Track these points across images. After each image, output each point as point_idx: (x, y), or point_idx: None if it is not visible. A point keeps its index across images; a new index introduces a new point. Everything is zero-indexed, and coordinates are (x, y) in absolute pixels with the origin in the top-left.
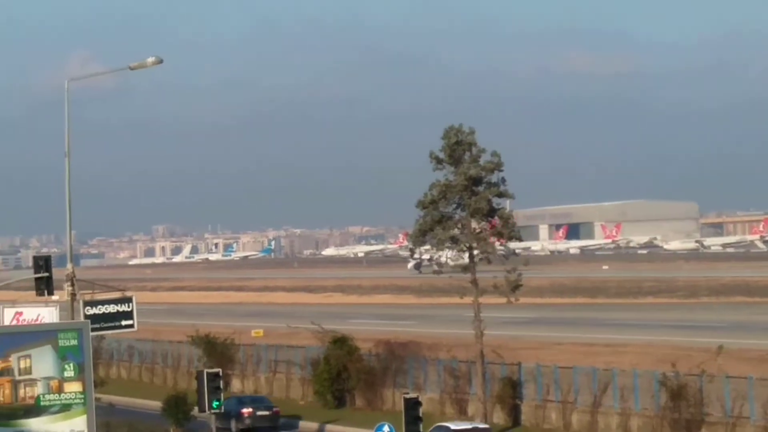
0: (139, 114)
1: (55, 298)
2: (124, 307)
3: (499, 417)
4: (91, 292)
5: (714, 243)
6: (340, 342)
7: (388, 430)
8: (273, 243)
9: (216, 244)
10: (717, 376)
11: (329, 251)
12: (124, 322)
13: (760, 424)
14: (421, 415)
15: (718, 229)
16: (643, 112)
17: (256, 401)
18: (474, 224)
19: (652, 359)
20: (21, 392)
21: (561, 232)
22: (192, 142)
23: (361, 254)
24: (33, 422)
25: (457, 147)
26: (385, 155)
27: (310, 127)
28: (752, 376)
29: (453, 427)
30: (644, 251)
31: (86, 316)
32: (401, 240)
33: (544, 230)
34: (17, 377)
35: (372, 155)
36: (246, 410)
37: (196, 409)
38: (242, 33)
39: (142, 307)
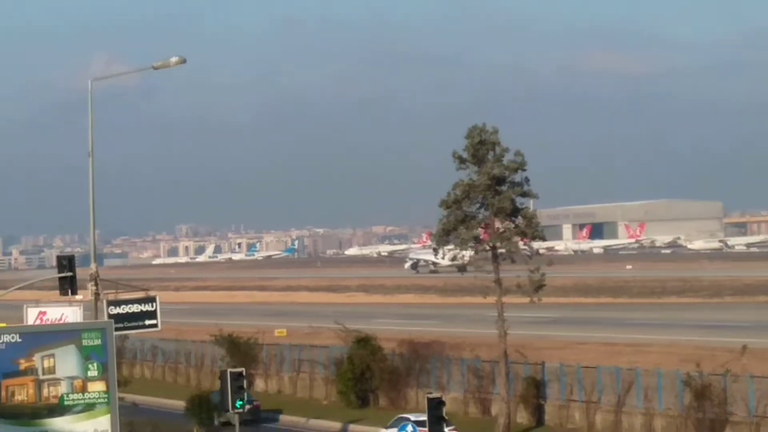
0: (162, 113)
1: (78, 297)
2: (147, 307)
3: (523, 417)
4: (114, 291)
5: (738, 242)
6: (364, 342)
7: (412, 429)
8: (296, 243)
9: (239, 244)
10: (741, 376)
11: (352, 251)
12: (147, 322)
13: None
14: (444, 415)
15: (741, 228)
16: (667, 110)
17: None
18: (497, 224)
19: (675, 359)
20: (45, 392)
21: (584, 232)
22: (215, 141)
23: (384, 254)
24: (57, 421)
25: (481, 146)
26: (409, 154)
27: (334, 126)
28: None
29: (413, 418)
30: (668, 251)
31: (110, 316)
32: (425, 239)
33: (567, 230)
34: (41, 377)
35: (395, 154)
36: None
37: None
38: (266, 31)
39: (166, 307)
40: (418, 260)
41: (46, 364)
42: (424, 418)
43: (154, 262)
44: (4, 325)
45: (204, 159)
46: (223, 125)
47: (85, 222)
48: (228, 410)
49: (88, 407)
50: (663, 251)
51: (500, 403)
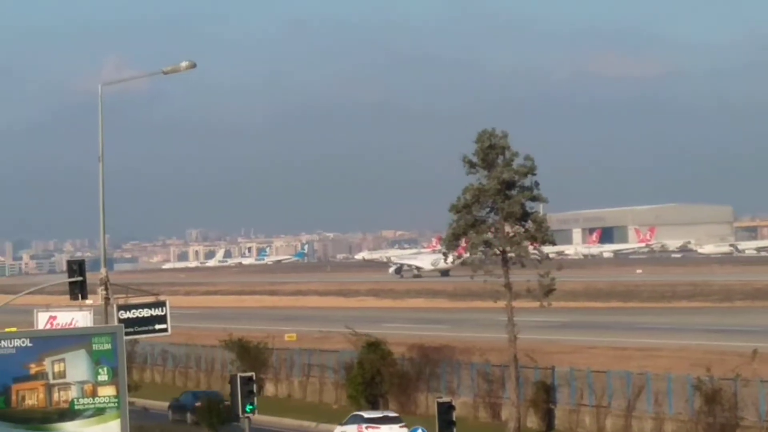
0: (172, 116)
1: (89, 302)
2: (157, 311)
3: (533, 421)
4: (124, 296)
5: (748, 247)
6: (374, 346)
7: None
8: (306, 247)
9: (249, 249)
10: (751, 381)
11: (362, 255)
12: (157, 326)
13: None
14: (454, 419)
15: (752, 232)
16: (677, 113)
17: (207, 395)
18: (507, 228)
19: (686, 363)
20: (55, 396)
21: (594, 236)
22: (224, 144)
23: (394, 258)
24: (67, 426)
25: (490, 151)
26: (419, 158)
27: (344, 129)
28: None
29: (366, 415)
30: (678, 255)
31: (120, 320)
32: (434, 244)
33: (577, 234)
34: (51, 381)
35: (405, 158)
36: (200, 404)
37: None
38: (274, 34)
39: (176, 311)
40: (402, 265)
41: (56, 368)
42: (376, 415)
43: (164, 267)
44: (14, 329)
45: (214, 163)
46: (233, 128)
47: (95, 226)
48: (238, 415)
49: (99, 412)
50: (673, 255)
51: (510, 408)
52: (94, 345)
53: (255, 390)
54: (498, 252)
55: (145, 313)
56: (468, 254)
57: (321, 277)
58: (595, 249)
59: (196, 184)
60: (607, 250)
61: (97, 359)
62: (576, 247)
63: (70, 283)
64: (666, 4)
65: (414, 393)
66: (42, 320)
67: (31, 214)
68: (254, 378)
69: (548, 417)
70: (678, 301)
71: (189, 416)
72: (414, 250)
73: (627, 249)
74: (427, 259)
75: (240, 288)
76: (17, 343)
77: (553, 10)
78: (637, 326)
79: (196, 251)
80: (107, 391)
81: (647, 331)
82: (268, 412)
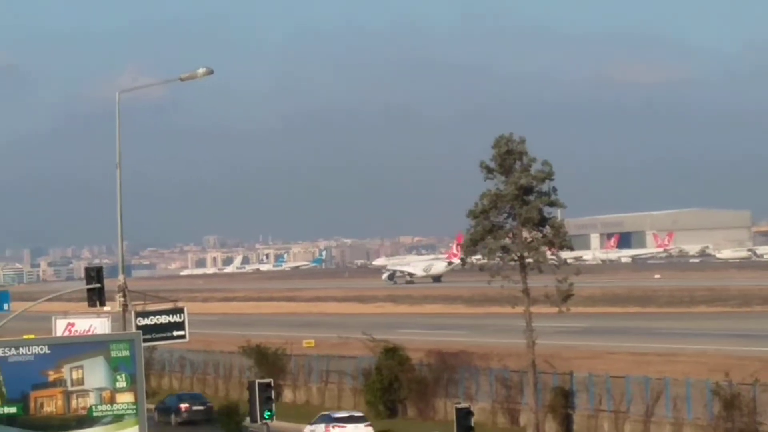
0: (189, 122)
1: (107, 309)
2: (175, 318)
3: (551, 427)
4: (142, 303)
5: (766, 251)
6: (392, 352)
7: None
8: (324, 253)
9: (267, 255)
10: None
11: (380, 261)
12: (175, 333)
13: None
14: (473, 425)
15: None
16: (695, 118)
17: (193, 397)
18: (525, 233)
19: (704, 368)
20: (73, 403)
21: (612, 241)
22: (242, 151)
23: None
24: None
25: (508, 156)
26: (436, 164)
27: (362, 135)
28: None
29: (334, 415)
30: (696, 260)
31: (138, 327)
32: (452, 249)
33: (595, 239)
34: (70, 388)
35: (423, 164)
36: (184, 405)
37: (247, 419)
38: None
39: (194, 318)
40: (395, 271)
41: (74, 375)
42: (343, 414)
43: (182, 273)
44: (32, 336)
45: (231, 169)
46: (250, 134)
47: (113, 233)
48: (256, 421)
49: (117, 418)
50: (691, 260)
51: (529, 413)
52: (112, 352)
53: (273, 396)
54: (516, 257)
55: (163, 319)
56: (486, 260)
57: (339, 283)
58: (613, 254)
59: (213, 191)
60: (625, 255)
61: (115, 366)
62: (594, 253)
63: (88, 290)
64: (682, 10)
65: (432, 399)
66: (60, 327)
67: (49, 221)
68: (272, 384)
69: (567, 422)
70: (696, 306)
71: (173, 418)
72: (432, 256)
73: (645, 254)
74: (419, 265)
75: (258, 294)
76: (36, 350)
77: (568, 16)
78: (656, 331)
79: (214, 258)
80: (125, 398)
81: (665, 336)
82: (286, 418)
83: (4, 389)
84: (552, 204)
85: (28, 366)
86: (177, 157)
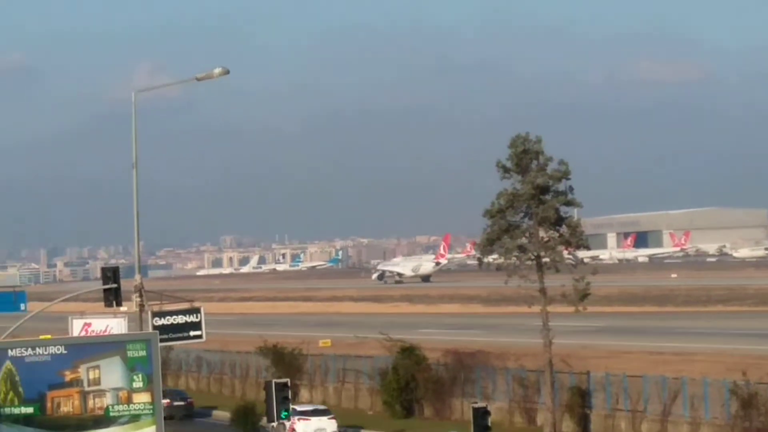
0: (205, 122)
1: (123, 309)
2: (192, 318)
3: (568, 426)
4: (159, 303)
5: None
6: (408, 352)
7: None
8: (340, 253)
9: (283, 255)
10: None
11: (396, 261)
12: (192, 333)
13: None
14: (489, 424)
15: None
16: (711, 118)
17: (173, 393)
18: (542, 233)
19: (722, 368)
20: (90, 403)
21: (629, 241)
22: (258, 151)
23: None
24: None
25: (524, 156)
26: (452, 163)
27: (378, 135)
28: None
29: (299, 408)
30: (713, 259)
31: (155, 327)
32: (468, 249)
33: (612, 239)
34: (86, 388)
35: (439, 164)
36: (165, 401)
37: (264, 419)
38: (306, 40)
39: (210, 318)
40: (384, 271)
41: (91, 375)
42: (308, 408)
43: (198, 274)
44: (49, 336)
45: (247, 169)
46: (266, 135)
47: (129, 233)
48: (272, 421)
49: (133, 418)
50: (708, 259)
51: (545, 413)
52: (128, 352)
53: (290, 396)
54: (532, 257)
55: (180, 319)
56: (502, 259)
57: (355, 283)
58: (630, 253)
59: (230, 191)
60: (642, 254)
61: (131, 366)
62: (611, 252)
63: (105, 290)
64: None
65: (449, 398)
66: (77, 327)
67: (65, 221)
68: (289, 384)
69: (584, 422)
70: (713, 306)
71: None
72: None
73: (662, 253)
74: (408, 265)
75: (274, 294)
76: (52, 350)
77: (587, 16)
78: (672, 331)
79: (230, 258)
80: (142, 398)
81: (682, 335)
82: None
83: (21, 389)
84: (568, 203)
85: (45, 366)
86: (192, 157)
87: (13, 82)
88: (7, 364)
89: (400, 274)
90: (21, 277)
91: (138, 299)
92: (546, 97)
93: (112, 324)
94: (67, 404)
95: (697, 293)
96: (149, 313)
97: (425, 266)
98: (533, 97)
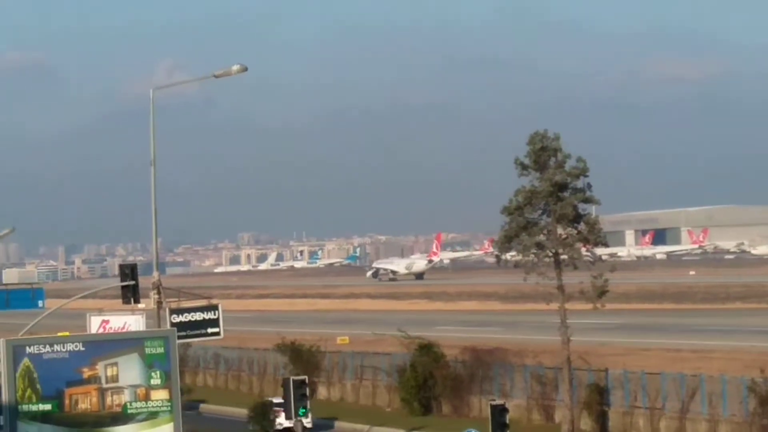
0: (223, 119)
1: (141, 306)
2: (210, 315)
3: (586, 423)
4: (177, 300)
5: None
6: (426, 349)
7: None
8: (358, 250)
9: (301, 252)
10: None
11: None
12: (210, 330)
13: None
14: (507, 422)
15: None
16: (729, 114)
17: None
18: (560, 230)
19: (740, 365)
20: (108, 400)
21: (647, 238)
22: (276, 148)
23: (446, 261)
24: (120, 430)
25: (542, 153)
26: (471, 161)
27: (397, 132)
28: None
29: (275, 401)
30: (731, 256)
31: (172, 324)
32: (486, 246)
33: (630, 236)
34: (104, 385)
35: (458, 161)
36: None
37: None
38: (326, 36)
39: (228, 315)
40: (378, 269)
41: (109, 372)
42: (281, 400)
43: (216, 271)
44: (67, 333)
45: (265, 166)
46: (284, 131)
47: (147, 230)
48: (290, 418)
49: (151, 416)
50: (726, 257)
51: (563, 410)
52: (146, 349)
53: (308, 393)
54: (550, 254)
55: (198, 316)
56: (520, 256)
57: (373, 280)
58: (648, 251)
59: (248, 188)
60: (660, 251)
61: (149, 363)
62: (629, 249)
63: (123, 287)
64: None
65: (467, 395)
66: (95, 324)
67: (83, 218)
68: (307, 381)
69: (602, 419)
70: (732, 303)
71: None
72: (466, 253)
73: (680, 250)
74: (401, 263)
75: (292, 291)
76: (70, 347)
77: (606, 12)
78: (691, 328)
79: (248, 255)
80: (160, 395)
81: (700, 332)
82: (321, 415)
83: (39, 386)
84: (587, 200)
85: (63, 363)
86: (211, 154)
87: (33, 79)
88: (25, 361)
89: (393, 272)
90: (39, 274)
91: (156, 296)
92: (565, 94)
93: (130, 321)
94: (85, 401)
95: (715, 290)
96: (167, 310)
97: (418, 264)
98: (553, 92)
